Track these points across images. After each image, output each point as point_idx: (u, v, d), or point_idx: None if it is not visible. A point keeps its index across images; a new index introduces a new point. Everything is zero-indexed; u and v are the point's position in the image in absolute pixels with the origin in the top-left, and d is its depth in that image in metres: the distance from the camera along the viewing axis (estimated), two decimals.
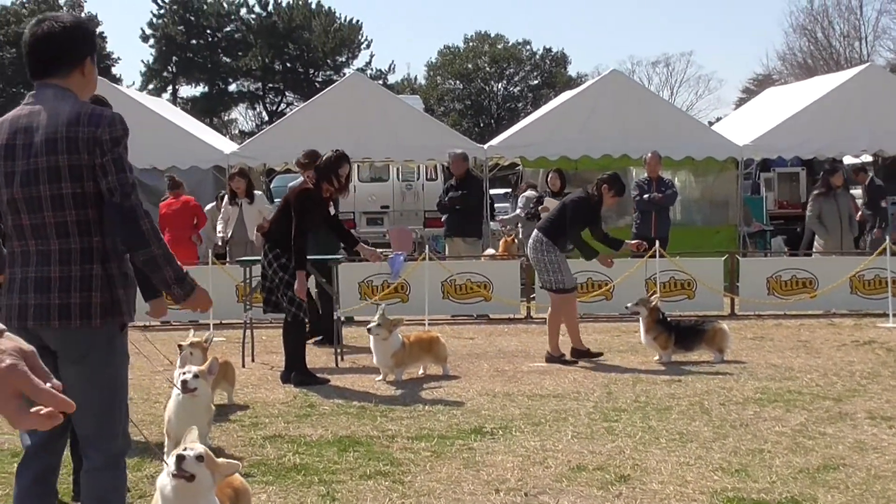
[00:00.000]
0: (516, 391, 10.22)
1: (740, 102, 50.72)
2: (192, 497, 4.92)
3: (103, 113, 4.57)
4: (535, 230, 12.38)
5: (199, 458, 4.90)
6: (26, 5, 62.85)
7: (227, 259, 16.44)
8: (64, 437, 4.91)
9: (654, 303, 12.02)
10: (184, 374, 7.38)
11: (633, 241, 13.08)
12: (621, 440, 8.07)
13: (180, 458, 4.71)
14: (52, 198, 4.51)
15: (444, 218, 18.00)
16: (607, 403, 9.55)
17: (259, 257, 11.43)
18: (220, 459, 5.02)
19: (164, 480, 4.94)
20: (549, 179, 18.85)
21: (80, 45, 4.69)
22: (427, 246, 19.17)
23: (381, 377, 10.97)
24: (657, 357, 11.95)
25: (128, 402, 4.87)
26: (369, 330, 10.80)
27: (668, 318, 12.21)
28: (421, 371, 11.29)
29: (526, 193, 19.45)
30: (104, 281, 4.58)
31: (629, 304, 12.32)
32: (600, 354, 12.24)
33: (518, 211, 19.14)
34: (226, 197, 16.77)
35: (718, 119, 42.02)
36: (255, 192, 16.75)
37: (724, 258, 17.00)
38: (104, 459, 4.69)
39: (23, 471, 4.79)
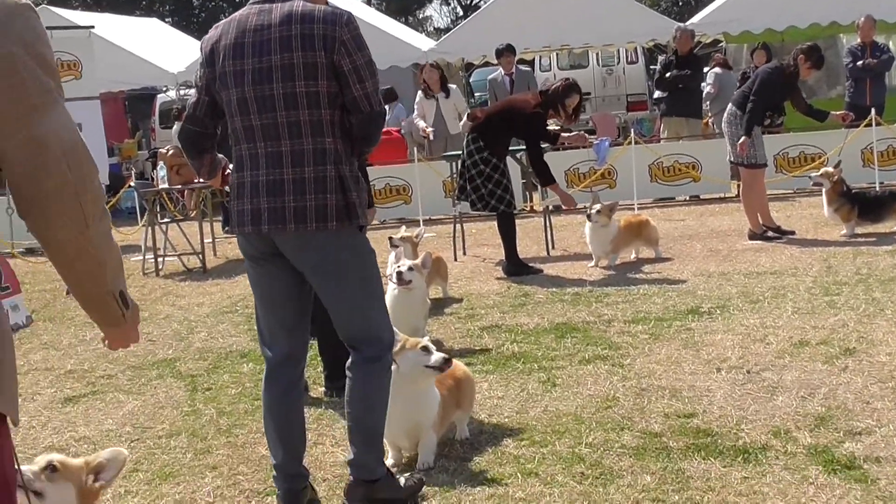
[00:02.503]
0: (732, 270, 10.06)
1: None
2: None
3: (337, 11, 4.53)
4: (730, 104, 12.10)
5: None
6: None
7: (429, 153, 16.55)
8: (305, 348, 4.93)
9: (836, 175, 11.63)
10: (398, 267, 7.50)
11: (839, 112, 12.54)
12: (844, 313, 7.86)
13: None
14: (284, 96, 4.47)
15: (657, 94, 17.64)
16: (827, 277, 9.31)
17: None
18: None
19: None
20: (754, 55, 18.24)
21: None
22: (632, 130, 18.93)
23: (593, 263, 10.96)
24: (842, 231, 11.58)
25: (383, 294, 4.87)
26: (589, 217, 10.77)
27: (853, 191, 11.83)
28: (633, 255, 11.23)
29: (715, 70, 18.82)
30: (338, 183, 4.52)
31: (813, 174, 12.07)
32: (792, 232, 11.91)
33: (709, 88, 18.49)
34: (419, 93, 16.81)
35: None
36: (451, 85, 16.73)
37: None
38: (372, 353, 4.69)
39: (270, 383, 4.81)
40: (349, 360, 4.77)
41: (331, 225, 4.51)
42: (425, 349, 5.20)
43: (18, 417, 2.38)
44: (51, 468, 3.61)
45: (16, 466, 2.46)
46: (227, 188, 13.45)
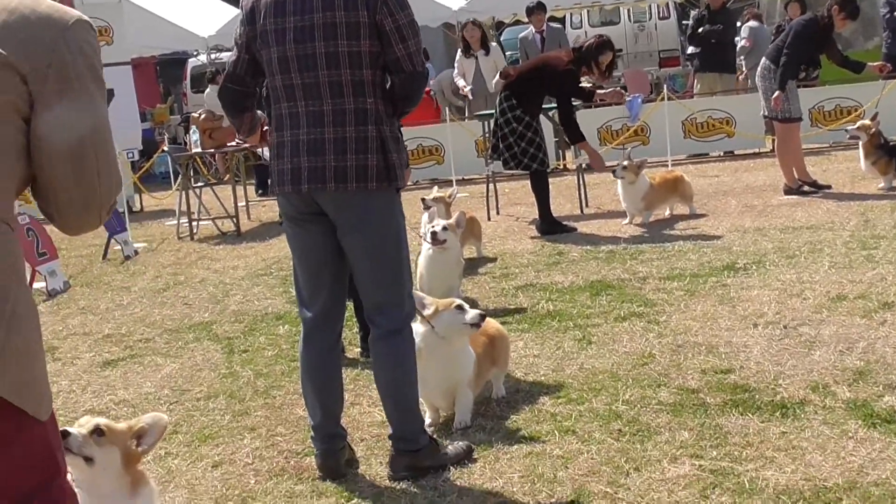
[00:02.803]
0: (767, 225, 9.99)
1: None
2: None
3: None
4: (763, 58, 11.99)
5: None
6: None
7: (466, 114, 16.51)
8: (342, 309, 4.90)
9: (873, 128, 11.50)
10: (433, 227, 7.49)
11: (877, 63, 12.40)
12: (882, 267, 7.79)
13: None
14: (326, 55, 4.43)
15: (690, 49, 17.50)
16: (864, 231, 9.23)
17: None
18: None
19: (419, 330, 5.05)
20: (788, 8, 18.03)
21: None
22: (664, 86, 18.80)
23: (627, 220, 10.92)
24: (880, 184, 11.46)
25: (410, 264, 4.87)
26: (615, 173, 10.75)
27: (891, 143, 11.69)
28: (667, 212, 11.18)
29: (749, 23, 18.60)
30: (379, 143, 4.49)
31: (849, 127, 11.96)
32: (829, 187, 11.80)
33: (743, 42, 18.29)
34: (458, 51, 16.74)
35: None
36: (491, 43, 16.64)
37: None
38: (394, 325, 4.66)
39: (308, 344, 4.81)
40: (370, 336, 4.76)
41: (371, 185, 4.49)
42: (460, 308, 5.20)
43: (36, 407, 2.29)
44: (98, 432, 3.65)
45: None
46: (260, 150, 13.56)
